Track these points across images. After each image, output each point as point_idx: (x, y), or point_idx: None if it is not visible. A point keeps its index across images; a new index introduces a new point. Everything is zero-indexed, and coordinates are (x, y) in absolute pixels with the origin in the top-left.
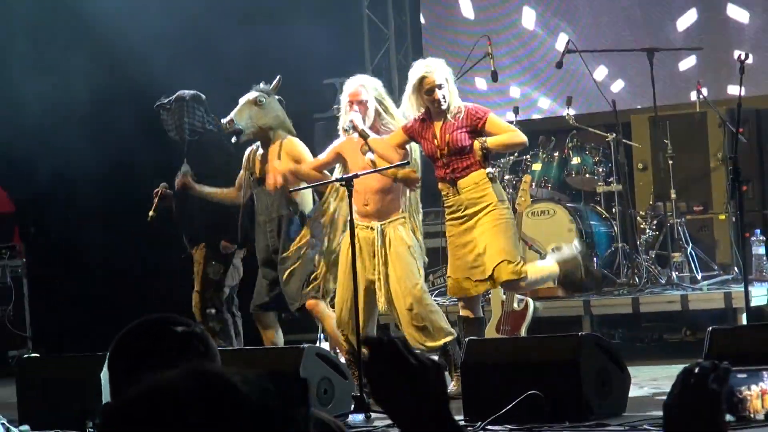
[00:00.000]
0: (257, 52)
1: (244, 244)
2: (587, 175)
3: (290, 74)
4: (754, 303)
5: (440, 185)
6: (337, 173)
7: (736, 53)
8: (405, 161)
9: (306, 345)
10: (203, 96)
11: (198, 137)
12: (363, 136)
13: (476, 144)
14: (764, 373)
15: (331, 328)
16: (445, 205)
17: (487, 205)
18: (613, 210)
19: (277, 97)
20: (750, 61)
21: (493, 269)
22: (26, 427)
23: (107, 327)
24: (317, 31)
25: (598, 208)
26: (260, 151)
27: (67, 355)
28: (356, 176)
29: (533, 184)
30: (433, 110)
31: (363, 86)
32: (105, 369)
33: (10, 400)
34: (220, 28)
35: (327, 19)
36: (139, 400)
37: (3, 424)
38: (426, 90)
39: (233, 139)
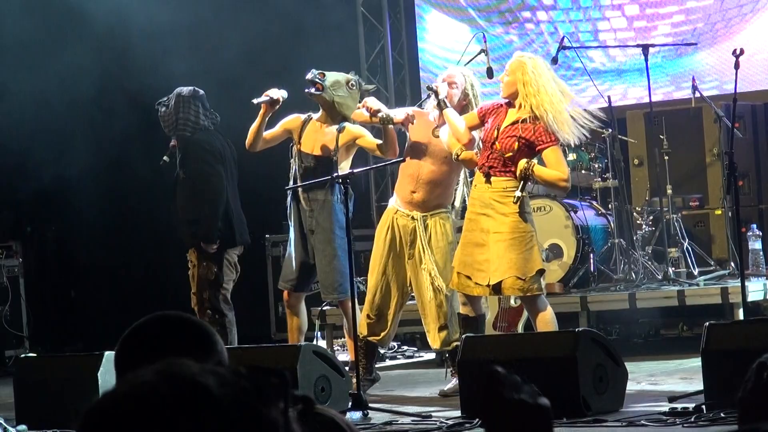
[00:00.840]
0: (252, 49)
1: (239, 242)
2: (583, 171)
3: (284, 71)
4: (750, 298)
5: (476, 172)
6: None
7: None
8: (400, 158)
9: (303, 343)
10: (201, 91)
11: (190, 133)
12: (441, 105)
13: (522, 163)
14: None
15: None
16: (471, 195)
17: (509, 214)
18: (609, 206)
19: (358, 94)
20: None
21: (500, 282)
22: (23, 426)
23: (104, 327)
24: (312, 28)
25: (595, 203)
26: (314, 122)
27: (65, 355)
28: (352, 173)
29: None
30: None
31: (463, 75)
32: (102, 368)
33: (8, 399)
34: (215, 26)
35: (322, 16)
36: (110, 405)
37: (0, 424)
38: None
39: (307, 90)
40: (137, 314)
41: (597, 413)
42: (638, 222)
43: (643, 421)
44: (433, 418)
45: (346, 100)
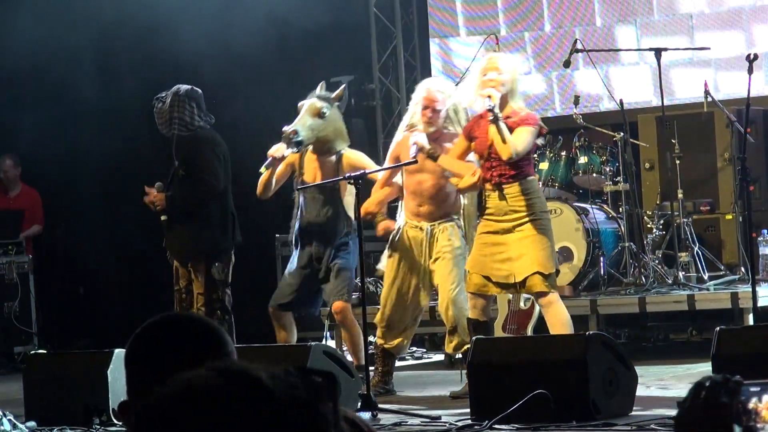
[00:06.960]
0: (264, 49)
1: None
2: (594, 175)
3: (297, 72)
4: (761, 303)
5: (486, 185)
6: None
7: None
8: (413, 160)
9: (313, 343)
10: (199, 91)
11: (189, 133)
12: (432, 157)
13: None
14: None
15: (350, 339)
16: (485, 205)
17: (530, 214)
18: (620, 209)
19: (336, 104)
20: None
21: (525, 278)
22: (33, 423)
23: (112, 324)
24: (325, 28)
25: (605, 207)
26: (310, 153)
27: (73, 352)
28: (365, 174)
29: (540, 183)
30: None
31: (443, 93)
32: (111, 365)
33: (17, 396)
34: (226, 26)
35: (334, 16)
36: (169, 399)
37: (9, 420)
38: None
39: (292, 150)
40: (145, 312)
41: (607, 417)
42: (649, 226)
43: (653, 426)
44: (442, 420)
45: (328, 128)
